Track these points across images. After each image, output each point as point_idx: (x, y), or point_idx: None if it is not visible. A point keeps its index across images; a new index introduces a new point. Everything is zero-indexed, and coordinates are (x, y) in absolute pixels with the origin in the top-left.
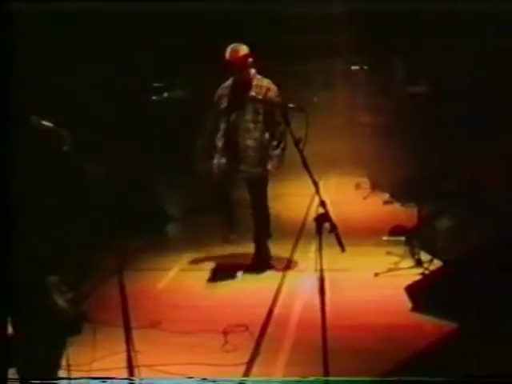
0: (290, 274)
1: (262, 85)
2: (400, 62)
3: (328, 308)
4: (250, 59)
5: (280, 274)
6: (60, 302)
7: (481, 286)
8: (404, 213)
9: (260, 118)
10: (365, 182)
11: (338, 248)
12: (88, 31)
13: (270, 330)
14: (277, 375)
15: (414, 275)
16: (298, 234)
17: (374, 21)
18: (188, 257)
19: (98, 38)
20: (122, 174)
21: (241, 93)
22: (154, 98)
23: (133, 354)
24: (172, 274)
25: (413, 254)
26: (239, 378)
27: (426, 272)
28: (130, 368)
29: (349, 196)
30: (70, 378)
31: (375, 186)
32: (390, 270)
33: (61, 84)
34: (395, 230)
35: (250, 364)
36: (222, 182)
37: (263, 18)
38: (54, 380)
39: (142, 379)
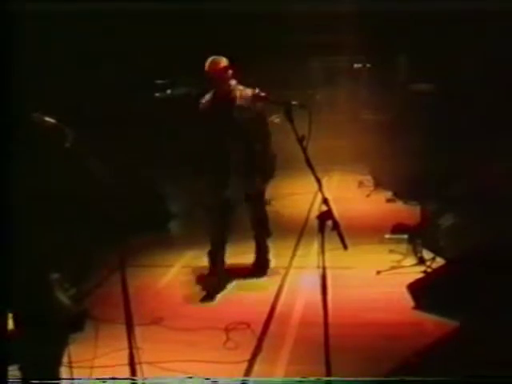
0: (293, 271)
1: (246, 95)
2: (403, 60)
3: (330, 306)
4: (230, 71)
5: (280, 273)
6: (62, 298)
7: (483, 285)
8: (407, 211)
9: (248, 129)
10: (368, 179)
11: (340, 246)
12: (89, 30)
13: (271, 327)
14: (278, 373)
15: (416, 273)
16: (300, 231)
17: (377, 19)
18: (190, 254)
19: (99, 36)
20: (124, 170)
21: (224, 106)
22: (156, 95)
23: (135, 350)
24: (174, 270)
25: (415, 252)
26: (241, 378)
27: (429, 270)
28: (132, 365)
29: (352, 194)
30: (71, 379)
31: (378, 184)
32: (392, 267)
33: (62, 83)
34: (398, 228)
35: (251, 362)
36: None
37: (267, 17)
38: (55, 380)
39: (144, 379)
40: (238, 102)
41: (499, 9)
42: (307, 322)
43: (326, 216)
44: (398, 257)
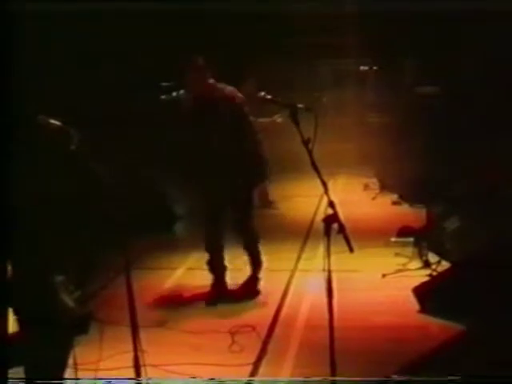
0: (298, 274)
1: (225, 94)
2: (410, 63)
3: (335, 309)
4: (207, 70)
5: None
6: (67, 301)
7: (488, 288)
8: (412, 214)
9: (228, 129)
10: (373, 182)
11: (346, 249)
12: (90, 30)
13: (277, 330)
14: (284, 376)
15: (421, 276)
16: (306, 234)
17: (383, 21)
18: (195, 256)
19: (99, 36)
20: (129, 173)
21: (203, 106)
22: (162, 97)
23: (139, 353)
24: (179, 273)
25: (421, 256)
26: (246, 378)
27: (434, 273)
28: (137, 367)
29: (357, 197)
30: (76, 379)
31: (384, 187)
32: (398, 271)
33: (63, 83)
34: (403, 231)
35: (256, 364)
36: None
37: (273, 19)
38: (59, 380)
39: (148, 379)
40: (217, 101)
41: (505, 9)
42: (312, 325)
43: (331, 219)
44: (403, 260)
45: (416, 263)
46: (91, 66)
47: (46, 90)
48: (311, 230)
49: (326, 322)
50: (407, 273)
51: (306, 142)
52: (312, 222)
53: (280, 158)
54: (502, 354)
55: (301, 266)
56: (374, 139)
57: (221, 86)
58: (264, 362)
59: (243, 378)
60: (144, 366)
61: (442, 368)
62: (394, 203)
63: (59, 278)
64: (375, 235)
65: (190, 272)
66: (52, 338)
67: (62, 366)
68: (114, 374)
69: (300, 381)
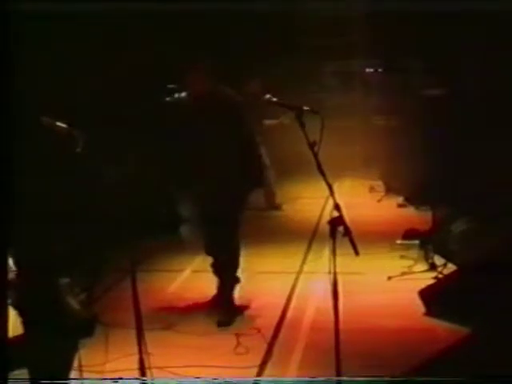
0: (303, 276)
1: (225, 96)
2: (416, 65)
3: (341, 311)
4: (207, 72)
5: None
6: (72, 303)
7: (495, 291)
8: (418, 216)
9: (229, 135)
10: (379, 185)
11: (351, 251)
12: (97, 32)
13: (282, 332)
14: (289, 378)
15: (427, 279)
16: (311, 236)
17: (389, 23)
18: (201, 258)
19: (107, 38)
20: (135, 175)
21: (201, 108)
22: (167, 99)
23: (145, 355)
24: (185, 275)
25: (427, 258)
26: (252, 379)
27: (440, 276)
28: (142, 370)
29: (363, 199)
30: (81, 379)
31: (389, 189)
32: (403, 273)
33: (68, 84)
34: (409, 234)
35: (262, 367)
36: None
37: (279, 20)
38: (63, 380)
39: (153, 379)
40: (216, 103)
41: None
42: (318, 328)
43: (337, 222)
44: (409, 262)
45: (422, 266)
46: (94, 67)
47: (50, 92)
48: (317, 232)
49: (331, 325)
50: (413, 275)
51: (311, 145)
52: (318, 224)
53: (286, 159)
54: (508, 356)
55: (306, 268)
56: (380, 141)
57: (221, 88)
58: (269, 365)
59: (249, 379)
60: (149, 368)
61: (447, 371)
62: (400, 206)
63: (65, 281)
64: (381, 238)
65: (195, 274)
66: (57, 341)
67: (67, 369)
68: (119, 376)
69: (305, 381)
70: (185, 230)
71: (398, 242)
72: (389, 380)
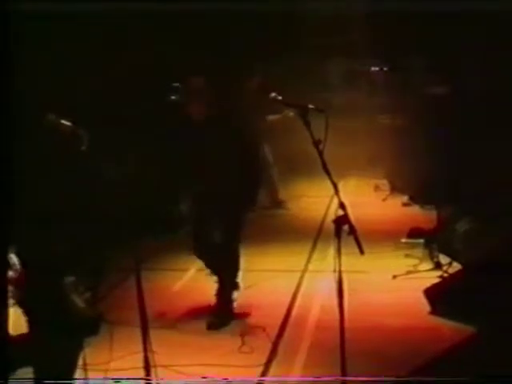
0: (309, 275)
1: (224, 115)
2: (420, 64)
3: (346, 310)
4: (206, 92)
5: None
6: (77, 302)
7: (500, 290)
8: (423, 215)
9: (223, 151)
10: (384, 183)
11: (356, 250)
12: (100, 31)
13: (287, 331)
14: (294, 377)
15: (432, 278)
16: (316, 235)
17: (393, 21)
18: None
19: (107, 38)
20: (139, 174)
21: (201, 125)
22: (172, 97)
23: (150, 354)
24: (189, 274)
25: (432, 257)
26: (256, 379)
27: (445, 275)
28: (147, 368)
29: (368, 198)
30: (85, 379)
31: (394, 188)
32: (408, 272)
33: (68, 84)
34: (414, 233)
35: (267, 366)
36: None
37: (282, 19)
38: (67, 380)
39: (159, 379)
40: (214, 121)
41: None
42: (323, 326)
43: (342, 220)
44: (414, 261)
45: (427, 265)
46: (94, 67)
47: (50, 92)
48: (322, 230)
49: (336, 323)
50: (418, 274)
51: (316, 143)
52: (323, 222)
53: (291, 158)
54: None
55: (311, 266)
56: (385, 141)
57: (222, 112)
58: (274, 363)
59: (253, 379)
60: (154, 366)
61: (452, 369)
62: (405, 204)
63: (70, 279)
64: (386, 236)
65: (200, 273)
66: (62, 339)
67: (72, 367)
68: (124, 374)
69: (310, 381)
70: (190, 229)
71: (403, 240)
72: (394, 380)
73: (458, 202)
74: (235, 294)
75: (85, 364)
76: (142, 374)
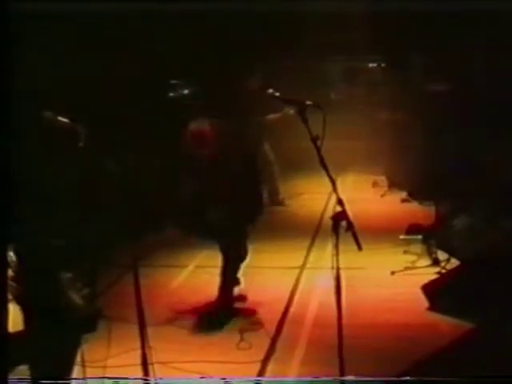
0: (307, 272)
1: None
2: (419, 60)
3: (344, 306)
4: (213, 134)
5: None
6: (75, 298)
7: (498, 286)
8: (421, 211)
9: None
10: (382, 180)
11: (354, 246)
12: (100, 30)
13: (285, 328)
14: (292, 373)
15: (430, 274)
16: (314, 231)
17: (391, 18)
18: (205, 253)
19: (110, 36)
20: (137, 169)
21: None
22: (171, 94)
23: (148, 350)
24: (188, 271)
25: (430, 253)
26: (253, 378)
27: (443, 271)
28: (145, 365)
29: (366, 194)
30: (83, 378)
31: (392, 184)
32: (406, 268)
33: (68, 84)
34: (412, 229)
35: (265, 362)
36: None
37: (280, 16)
38: (65, 380)
39: (158, 379)
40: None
41: None
42: (321, 323)
43: (340, 216)
44: (412, 257)
45: (425, 261)
46: (94, 67)
47: (50, 92)
48: (320, 227)
49: (334, 320)
50: (416, 270)
51: (314, 140)
52: (321, 219)
53: (289, 155)
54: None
55: (309, 263)
56: (383, 136)
57: (231, 143)
58: (272, 360)
59: (250, 378)
60: (152, 363)
61: (450, 366)
62: (403, 201)
63: (67, 276)
64: (384, 233)
65: (199, 270)
66: (60, 336)
67: (70, 364)
68: (121, 371)
69: (307, 381)
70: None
71: (402, 237)
72: (394, 380)
73: (457, 199)
74: (236, 290)
75: (83, 361)
76: (139, 370)
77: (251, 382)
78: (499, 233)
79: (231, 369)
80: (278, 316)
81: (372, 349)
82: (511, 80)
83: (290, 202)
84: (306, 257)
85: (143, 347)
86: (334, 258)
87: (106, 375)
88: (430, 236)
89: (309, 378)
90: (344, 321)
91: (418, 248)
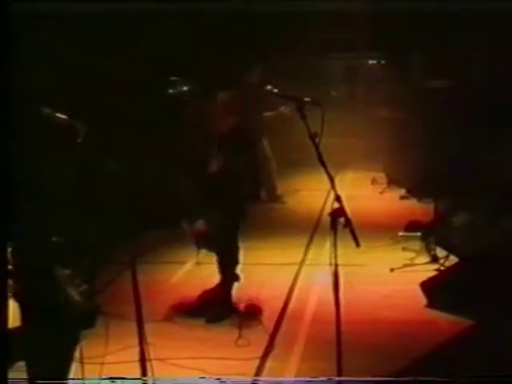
0: (305, 268)
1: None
2: (419, 57)
3: (342, 303)
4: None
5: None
6: (73, 295)
7: (496, 283)
8: (420, 208)
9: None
10: (381, 177)
11: (353, 243)
12: (100, 30)
13: (284, 324)
14: (291, 370)
15: (429, 271)
16: (313, 228)
17: (391, 16)
18: (203, 251)
19: (110, 36)
20: (137, 166)
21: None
22: (170, 91)
23: (146, 347)
24: (187, 267)
25: (429, 250)
26: (251, 378)
27: (442, 268)
28: (143, 362)
29: (365, 191)
30: (80, 378)
31: (391, 181)
32: (405, 265)
33: (72, 79)
34: (411, 226)
35: (263, 359)
36: None
37: (282, 14)
38: (63, 380)
39: (154, 379)
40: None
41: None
42: (319, 320)
43: (338, 213)
44: (411, 254)
45: (424, 258)
46: (94, 66)
47: (53, 88)
48: (319, 224)
49: (333, 317)
50: (415, 267)
51: (313, 136)
52: (320, 216)
53: (287, 151)
54: (510, 349)
55: (308, 260)
56: (382, 133)
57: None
58: (271, 357)
59: (248, 377)
60: (150, 360)
61: (449, 363)
62: (402, 198)
63: (66, 272)
64: (383, 229)
65: (197, 266)
66: (58, 332)
67: (68, 360)
68: (120, 368)
69: (305, 381)
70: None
71: (400, 233)
72: (394, 380)
73: (456, 196)
74: (235, 286)
75: (81, 357)
76: (138, 367)
77: (248, 381)
78: (499, 233)
79: (230, 365)
80: (277, 312)
81: (371, 345)
82: (511, 80)
83: (289, 198)
84: (305, 253)
85: (141, 344)
86: (332, 255)
87: (104, 372)
88: (429, 233)
89: (306, 379)
90: (343, 317)
91: (417, 245)
